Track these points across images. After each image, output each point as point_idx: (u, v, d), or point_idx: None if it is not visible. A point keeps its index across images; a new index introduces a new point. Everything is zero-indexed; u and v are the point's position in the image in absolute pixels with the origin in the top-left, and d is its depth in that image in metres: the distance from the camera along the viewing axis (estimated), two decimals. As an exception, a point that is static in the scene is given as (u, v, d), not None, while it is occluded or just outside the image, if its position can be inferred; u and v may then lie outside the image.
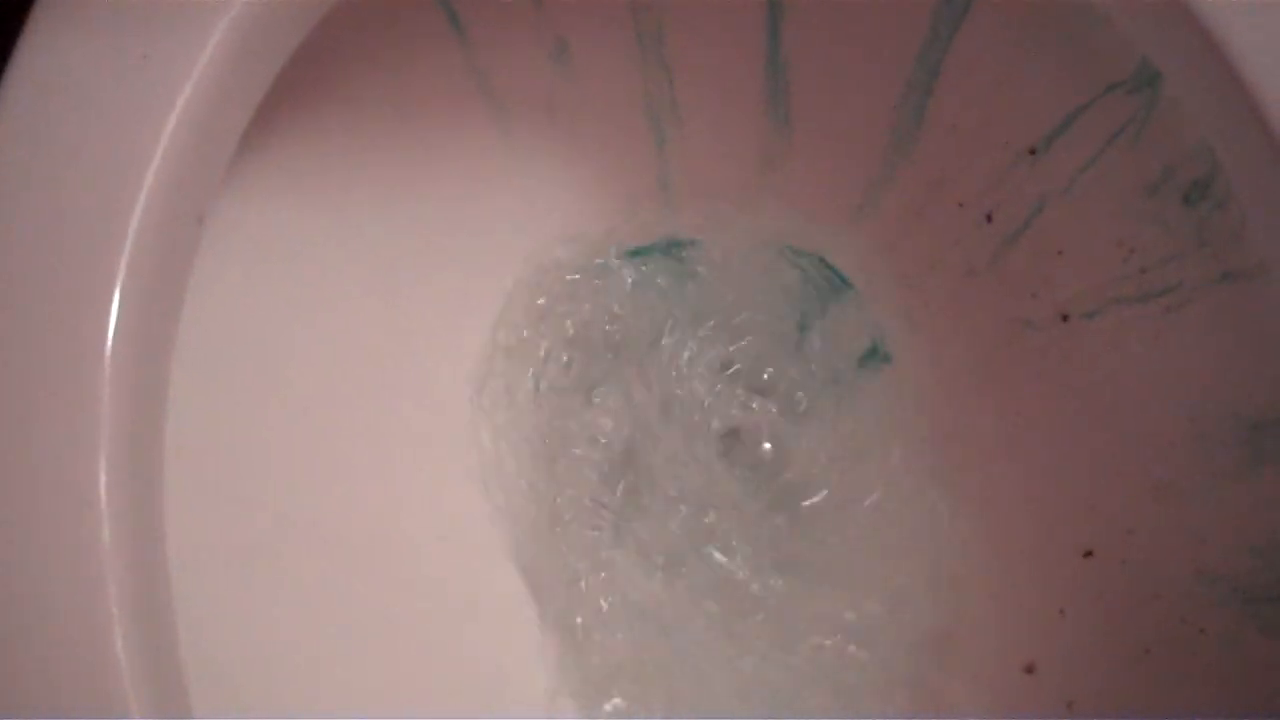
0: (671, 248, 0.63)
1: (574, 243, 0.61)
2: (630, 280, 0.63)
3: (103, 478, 0.33)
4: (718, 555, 0.58)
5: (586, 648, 0.56)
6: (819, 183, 0.61)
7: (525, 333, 0.59)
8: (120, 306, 0.34)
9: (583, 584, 0.56)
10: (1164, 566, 0.51)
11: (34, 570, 0.32)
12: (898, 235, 0.60)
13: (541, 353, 0.60)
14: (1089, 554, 0.53)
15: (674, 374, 0.61)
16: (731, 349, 0.62)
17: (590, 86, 0.57)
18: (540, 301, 0.60)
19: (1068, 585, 0.54)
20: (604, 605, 0.56)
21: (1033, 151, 0.53)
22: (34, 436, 0.33)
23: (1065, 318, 0.54)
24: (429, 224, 0.58)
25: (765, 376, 0.62)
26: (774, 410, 0.62)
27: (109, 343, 0.34)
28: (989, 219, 0.56)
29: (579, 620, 0.55)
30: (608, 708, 0.55)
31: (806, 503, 0.60)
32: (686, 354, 0.61)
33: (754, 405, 0.61)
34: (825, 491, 0.60)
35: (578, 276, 0.61)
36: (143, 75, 0.37)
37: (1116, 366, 0.53)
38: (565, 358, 0.60)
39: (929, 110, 0.55)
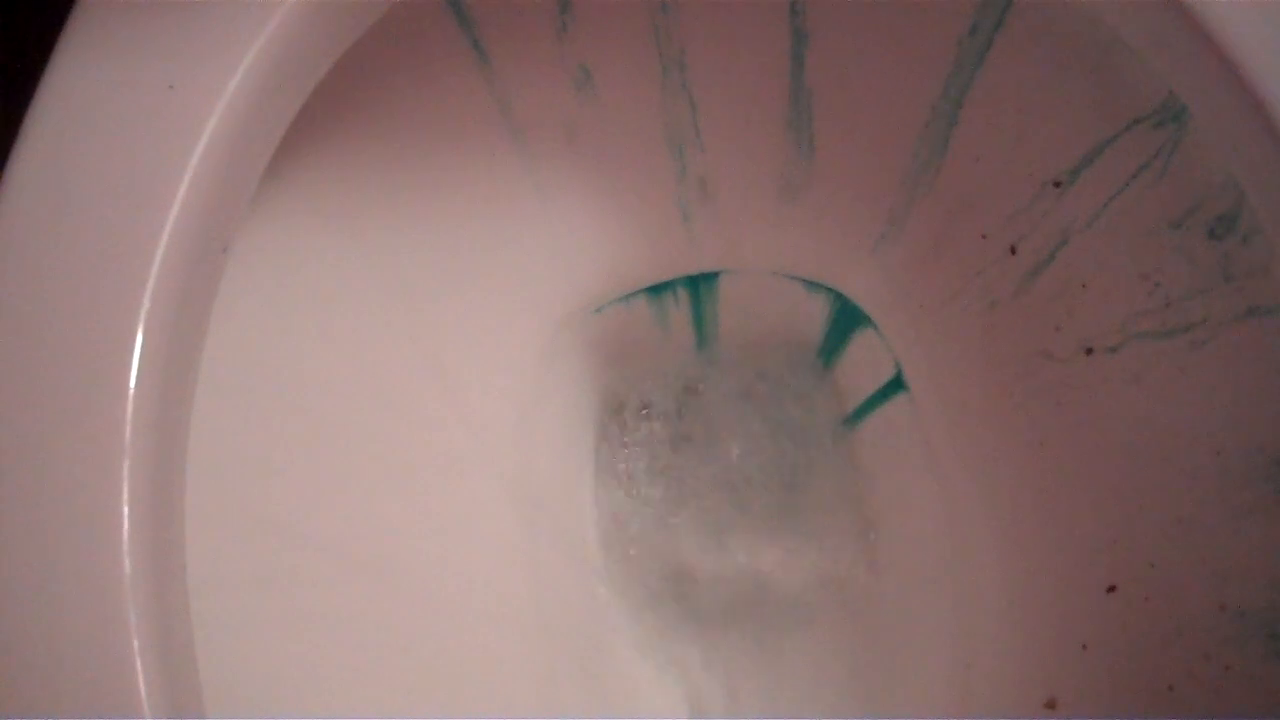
0: (692, 282, 0.64)
1: (595, 275, 0.62)
2: (654, 320, 0.64)
3: (125, 510, 0.33)
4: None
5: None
6: (841, 212, 0.61)
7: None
8: (144, 337, 0.34)
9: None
10: (1187, 602, 0.50)
11: (56, 601, 0.32)
12: (920, 265, 0.60)
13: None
14: (1112, 589, 0.53)
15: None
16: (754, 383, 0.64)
17: (613, 114, 0.57)
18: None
19: (1090, 620, 0.54)
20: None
21: (1058, 184, 0.52)
22: (57, 465, 0.33)
23: (1089, 351, 0.54)
24: (450, 251, 0.57)
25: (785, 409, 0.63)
26: (790, 445, 0.63)
27: (133, 373, 0.34)
28: (1013, 251, 0.56)
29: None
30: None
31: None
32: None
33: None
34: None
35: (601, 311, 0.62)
36: (169, 105, 0.37)
37: (1139, 401, 0.52)
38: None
39: (953, 140, 0.55)
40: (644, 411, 0.67)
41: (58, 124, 0.37)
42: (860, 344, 0.65)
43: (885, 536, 0.63)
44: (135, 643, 0.32)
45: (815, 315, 0.65)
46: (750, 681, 0.61)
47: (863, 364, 0.65)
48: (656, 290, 0.65)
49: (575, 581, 0.62)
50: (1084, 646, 0.53)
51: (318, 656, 0.47)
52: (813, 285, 0.64)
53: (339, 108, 0.48)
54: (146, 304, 0.35)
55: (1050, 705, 0.53)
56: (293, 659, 0.46)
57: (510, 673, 0.56)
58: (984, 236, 0.57)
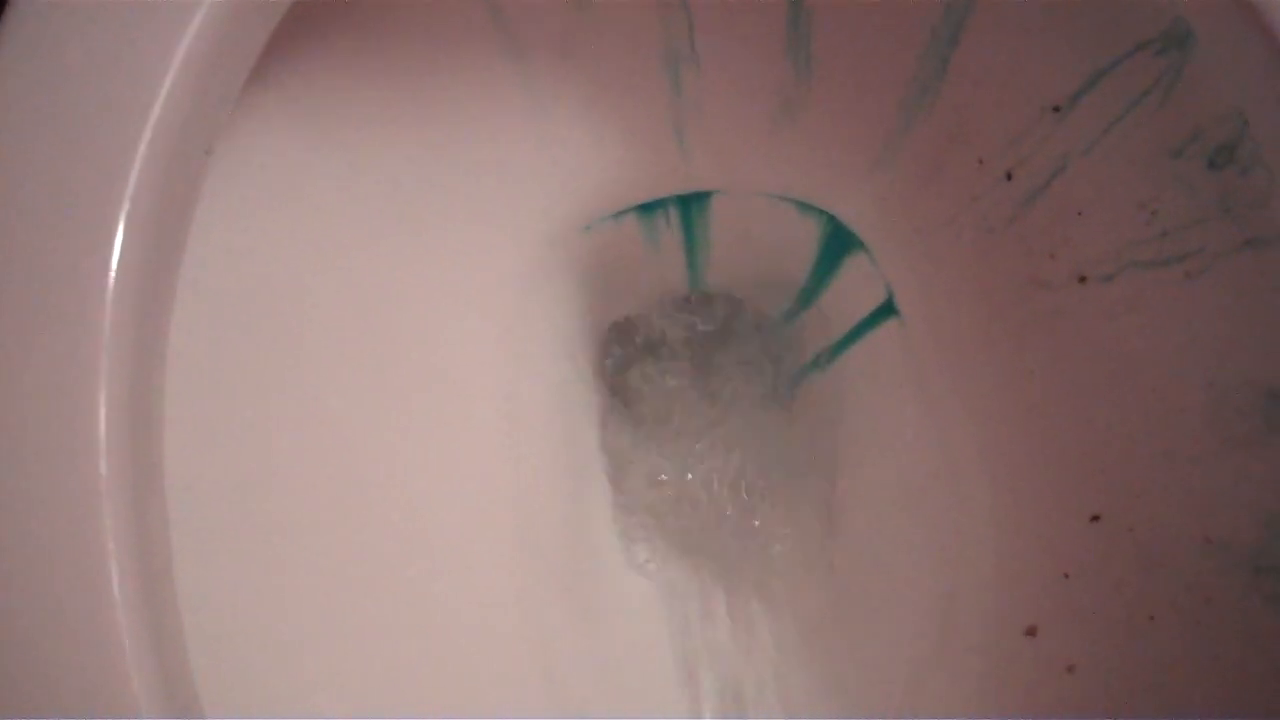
0: (683, 202, 0.64)
1: (586, 192, 0.61)
2: (643, 240, 0.64)
3: (102, 411, 0.33)
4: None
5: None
6: (837, 134, 0.61)
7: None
8: (125, 235, 0.34)
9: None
10: (1172, 534, 0.51)
11: (30, 501, 0.32)
12: (915, 190, 0.60)
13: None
14: (1096, 518, 0.53)
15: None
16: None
17: (608, 29, 0.57)
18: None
19: (1073, 549, 0.54)
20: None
21: (1057, 109, 0.52)
22: (35, 363, 0.33)
23: (1082, 279, 0.54)
24: (440, 165, 0.57)
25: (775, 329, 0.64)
26: (778, 366, 0.64)
27: (112, 272, 0.34)
28: (1009, 176, 0.56)
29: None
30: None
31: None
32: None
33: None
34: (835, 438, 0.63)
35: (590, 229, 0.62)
36: (152, 1, 0.36)
37: (1132, 330, 0.52)
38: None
39: (952, 63, 0.55)
40: (631, 330, 0.68)
41: (35, 20, 0.36)
42: (852, 268, 0.65)
43: (871, 460, 0.64)
44: (111, 545, 0.32)
45: (808, 238, 0.65)
46: (730, 597, 0.62)
47: (854, 288, 0.65)
48: (647, 209, 0.65)
49: (558, 494, 0.62)
50: (1066, 575, 0.54)
51: (295, 565, 0.48)
52: (806, 208, 0.64)
53: (331, 18, 0.47)
54: (127, 202, 0.35)
55: (1030, 633, 0.54)
56: (269, 566, 0.46)
57: (490, 583, 0.57)
58: (980, 161, 0.57)
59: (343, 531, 0.51)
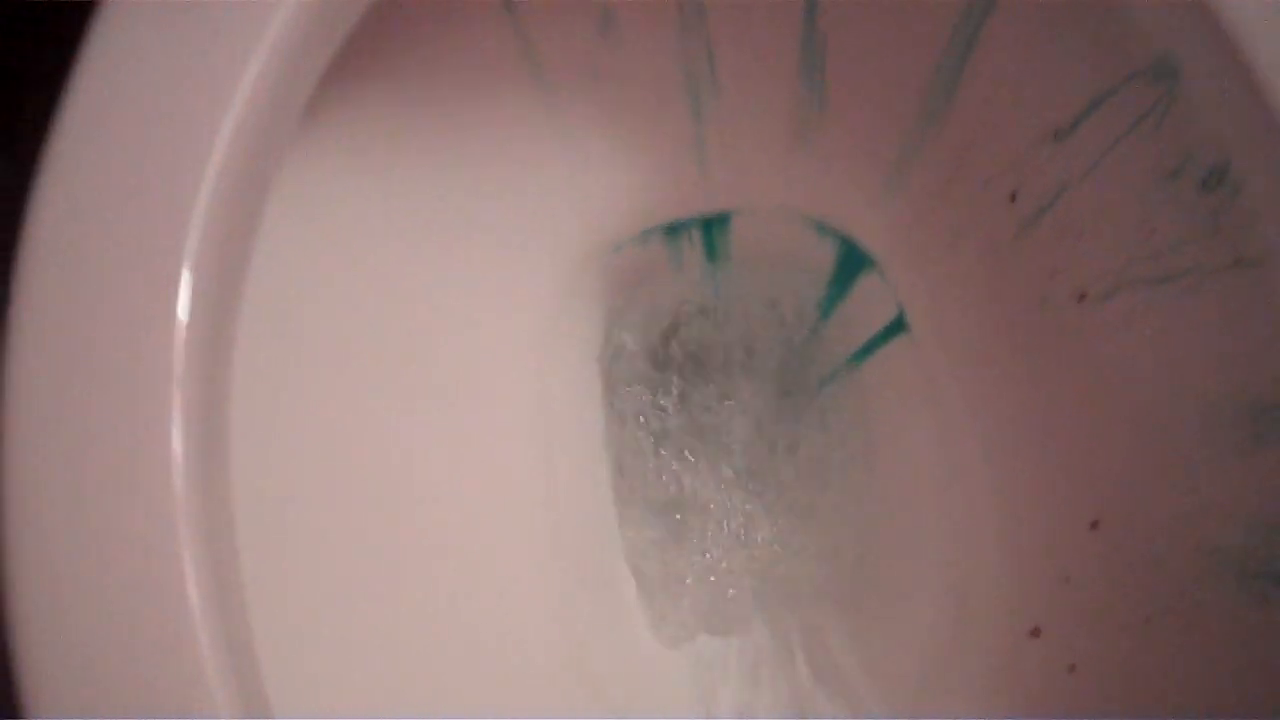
0: (707, 223, 0.65)
1: (614, 215, 0.62)
2: (668, 259, 0.65)
3: (176, 432, 0.34)
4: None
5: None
6: (850, 157, 0.61)
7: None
8: (191, 274, 0.35)
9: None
10: (1166, 540, 0.51)
11: (111, 521, 0.33)
12: (924, 211, 0.60)
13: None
14: (1095, 524, 0.54)
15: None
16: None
17: (633, 57, 0.58)
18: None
19: (1074, 554, 0.55)
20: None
21: (1058, 134, 0.53)
22: (110, 389, 0.34)
23: (1082, 297, 0.54)
24: (475, 191, 0.58)
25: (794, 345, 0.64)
26: (797, 380, 0.65)
27: (180, 304, 0.35)
28: (1013, 198, 0.56)
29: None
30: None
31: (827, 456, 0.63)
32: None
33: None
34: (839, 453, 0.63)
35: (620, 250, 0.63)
36: (214, 49, 0.38)
37: (1129, 346, 0.53)
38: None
39: (959, 90, 0.55)
40: (659, 345, 0.68)
41: (107, 69, 0.37)
42: (865, 286, 0.65)
43: (885, 467, 0.64)
44: (188, 563, 0.33)
45: (823, 256, 0.66)
46: (747, 593, 0.63)
47: (867, 305, 0.65)
48: (672, 230, 0.65)
49: (588, 498, 0.63)
50: (1067, 579, 0.54)
51: (341, 567, 0.49)
52: (821, 228, 0.64)
53: (369, 53, 0.48)
54: (193, 241, 0.36)
55: (1035, 633, 0.54)
56: (316, 571, 0.47)
57: (525, 584, 0.57)
58: (986, 184, 0.57)
59: (391, 534, 0.52)
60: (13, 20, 0.74)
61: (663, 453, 0.65)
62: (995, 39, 0.53)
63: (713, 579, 0.63)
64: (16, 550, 0.33)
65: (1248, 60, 0.42)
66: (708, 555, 0.63)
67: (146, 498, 0.34)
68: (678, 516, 0.64)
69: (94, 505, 0.33)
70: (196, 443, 0.35)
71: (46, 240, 0.36)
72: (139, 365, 0.35)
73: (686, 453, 0.65)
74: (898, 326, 0.63)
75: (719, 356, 0.68)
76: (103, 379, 0.35)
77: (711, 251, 0.67)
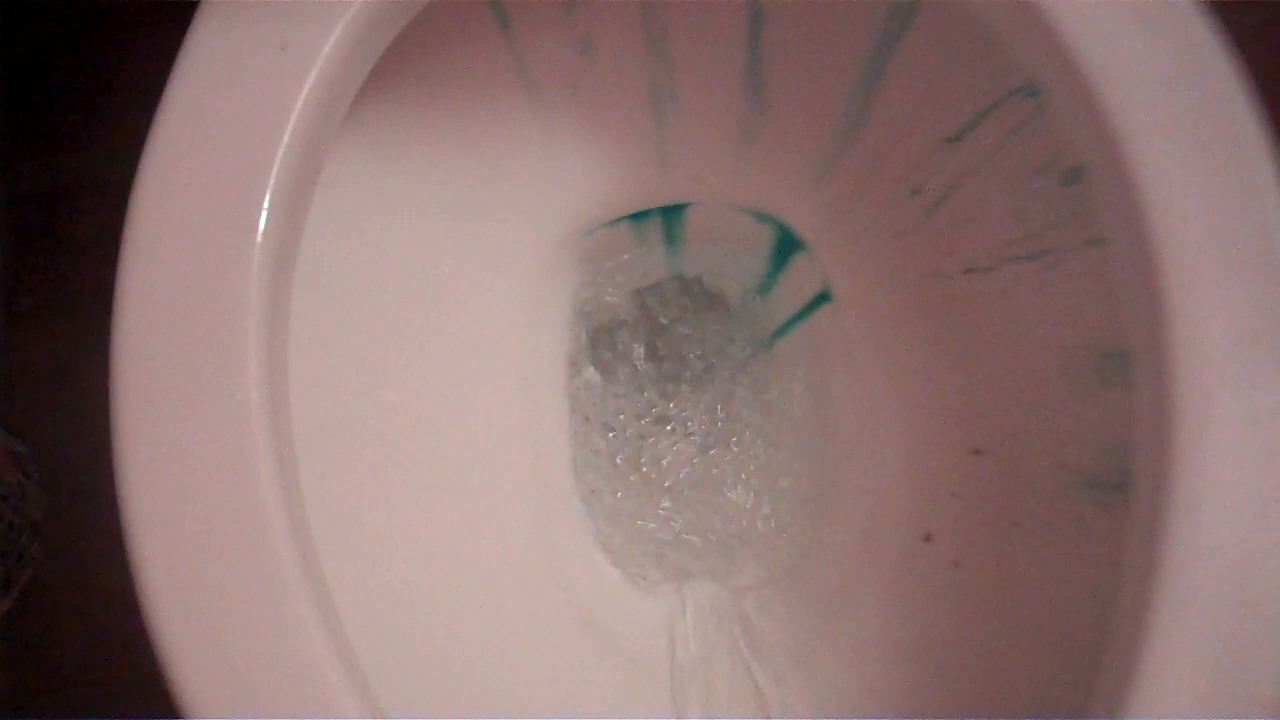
0: (666, 212, 0.68)
1: (588, 203, 0.65)
2: (634, 242, 0.69)
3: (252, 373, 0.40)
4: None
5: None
6: (786, 156, 0.65)
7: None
8: (265, 233, 0.42)
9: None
10: (1033, 462, 0.55)
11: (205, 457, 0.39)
12: (846, 201, 0.64)
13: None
14: (978, 451, 0.59)
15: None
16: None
17: (607, 75, 0.62)
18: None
19: (960, 475, 0.59)
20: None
21: (951, 140, 0.57)
22: (192, 345, 0.40)
23: (970, 271, 0.58)
24: (473, 181, 0.63)
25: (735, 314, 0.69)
26: (736, 344, 0.69)
27: (254, 267, 0.41)
28: (916, 192, 0.61)
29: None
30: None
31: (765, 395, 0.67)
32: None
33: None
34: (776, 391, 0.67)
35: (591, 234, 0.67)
36: (281, 62, 0.43)
37: (1006, 309, 0.57)
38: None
39: (874, 103, 0.60)
40: (622, 315, 0.72)
41: (197, 76, 0.43)
42: (797, 264, 0.69)
43: (812, 413, 0.67)
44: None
45: (763, 239, 0.70)
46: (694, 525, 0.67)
47: (799, 280, 0.69)
48: (637, 217, 0.68)
49: (565, 434, 0.67)
50: (954, 494, 0.59)
51: (358, 488, 0.53)
52: (762, 216, 0.69)
53: (394, 65, 0.51)
54: (265, 213, 0.42)
55: (927, 538, 0.60)
56: (338, 494, 0.51)
57: (508, 507, 0.61)
58: (895, 180, 0.61)
59: (403, 454, 0.57)
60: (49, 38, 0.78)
61: (624, 399, 0.70)
62: (900, 66, 0.57)
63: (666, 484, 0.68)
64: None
65: (1091, 83, 0.44)
66: (643, 464, 0.68)
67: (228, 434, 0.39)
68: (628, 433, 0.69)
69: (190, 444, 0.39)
70: (268, 375, 0.40)
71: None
72: (218, 309, 0.40)
73: (647, 392, 0.69)
74: (824, 297, 0.68)
75: (677, 316, 0.71)
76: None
77: (670, 235, 0.70)
